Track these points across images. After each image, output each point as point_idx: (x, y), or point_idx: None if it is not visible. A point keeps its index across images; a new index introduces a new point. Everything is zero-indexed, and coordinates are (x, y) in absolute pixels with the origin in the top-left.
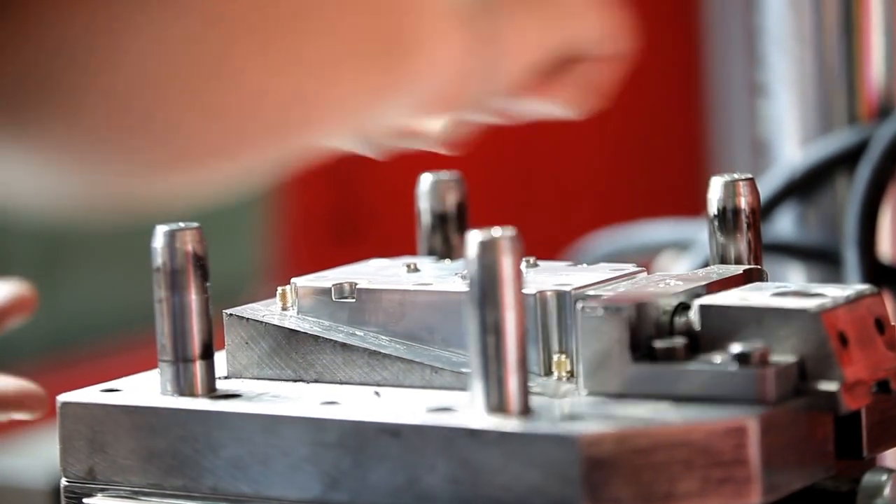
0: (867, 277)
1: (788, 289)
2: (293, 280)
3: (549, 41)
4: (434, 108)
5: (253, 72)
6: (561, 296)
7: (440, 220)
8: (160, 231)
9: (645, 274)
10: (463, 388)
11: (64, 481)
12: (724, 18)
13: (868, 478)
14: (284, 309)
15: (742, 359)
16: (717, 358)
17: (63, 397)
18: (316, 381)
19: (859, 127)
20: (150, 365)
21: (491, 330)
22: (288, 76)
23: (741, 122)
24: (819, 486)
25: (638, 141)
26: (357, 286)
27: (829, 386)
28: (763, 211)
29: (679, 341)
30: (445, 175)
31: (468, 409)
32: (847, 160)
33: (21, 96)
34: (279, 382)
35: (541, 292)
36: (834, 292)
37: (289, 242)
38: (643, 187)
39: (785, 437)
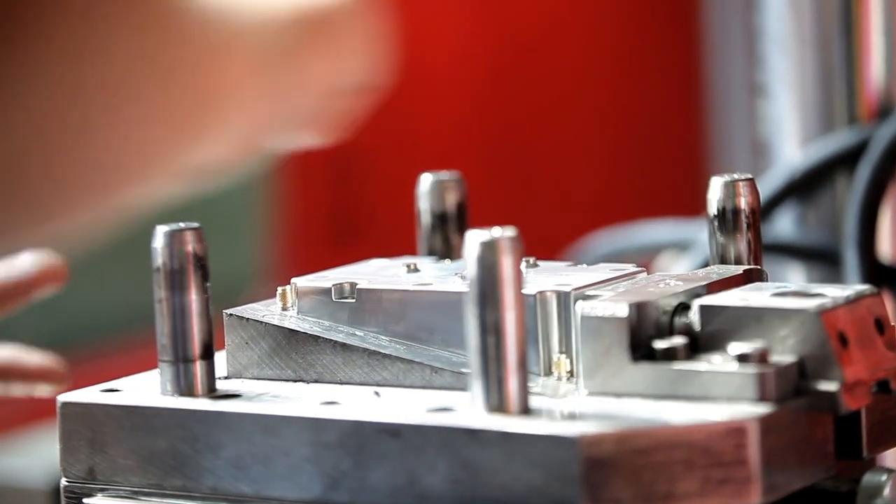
0: (867, 277)
1: (788, 289)
2: (293, 280)
3: (335, 80)
4: (240, 148)
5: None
6: (561, 296)
7: (440, 220)
8: (160, 231)
9: (645, 274)
10: (463, 388)
11: (64, 481)
12: (724, 18)
13: (868, 478)
14: (284, 309)
15: (742, 359)
16: (717, 358)
17: (63, 397)
18: (316, 381)
19: (859, 127)
20: (150, 365)
21: (491, 330)
22: (109, 140)
23: (741, 122)
24: (819, 486)
25: (638, 141)
26: (357, 286)
27: (829, 386)
28: (763, 211)
29: (679, 341)
30: (445, 175)
31: (468, 409)
32: (847, 160)
33: None
34: (279, 382)
35: (541, 292)
36: (834, 292)
37: (289, 242)
38: (643, 187)
39: (785, 438)
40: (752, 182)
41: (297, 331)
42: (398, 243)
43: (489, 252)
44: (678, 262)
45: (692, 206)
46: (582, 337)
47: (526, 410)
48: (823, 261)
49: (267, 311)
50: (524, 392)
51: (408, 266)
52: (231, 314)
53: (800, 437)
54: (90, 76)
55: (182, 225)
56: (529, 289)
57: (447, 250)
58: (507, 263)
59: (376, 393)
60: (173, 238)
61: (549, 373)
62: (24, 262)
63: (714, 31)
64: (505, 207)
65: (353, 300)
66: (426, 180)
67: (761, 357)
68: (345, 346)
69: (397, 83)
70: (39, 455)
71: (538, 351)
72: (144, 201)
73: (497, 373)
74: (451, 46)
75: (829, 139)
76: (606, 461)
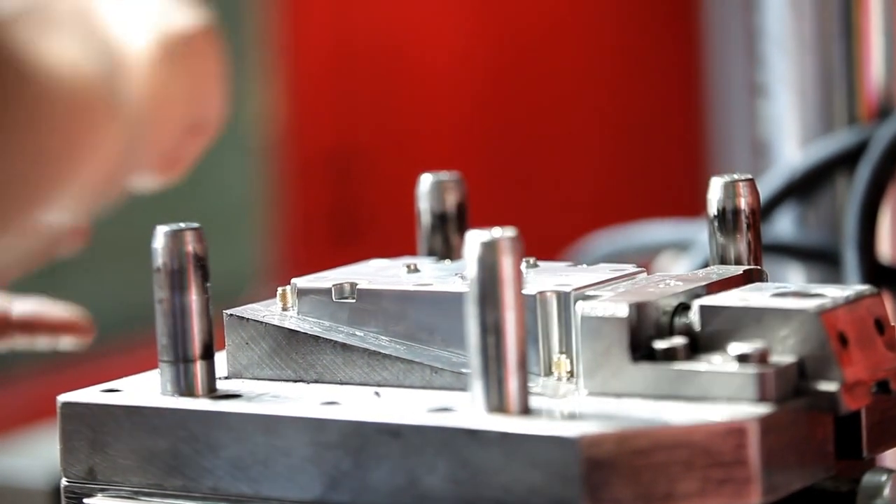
0: (867, 278)
1: (788, 289)
2: (293, 280)
3: (186, 123)
4: (97, 192)
5: None
6: (561, 296)
7: (440, 220)
8: (160, 231)
9: (645, 274)
10: (463, 388)
11: (64, 481)
12: (724, 18)
13: (868, 478)
14: (285, 309)
15: (742, 359)
16: (717, 358)
17: (63, 397)
18: (316, 381)
19: (859, 127)
20: (150, 365)
21: (491, 330)
22: None
23: (741, 122)
24: (819, 486)
25: (638, 141)
26: (357, 286)
27: (829, 386)
28: (763, 211)
29: (679, 341)
30: (445, 175)
31: (468, 410)
32: (847, 161)
33: None
34: (279, 383)
35: (541, 293)
36: (834, 293)
37: (289, 243)
38: (643, 187)
39: (785, 438)
40: (752, 182)
41: (298, 331)
42: (398, 243)
43: (489, 252)
44: (678, 262)
45: (692, 206)
46: (582, 337)
47: (526, 411)
48: (823, 261)
49: (267, 311)
50: (524, 392)
51: (408, 266)
52: (231, 314)
53: (800, 437)
54: None
55: (182, 225)
56: (529, 289)
57: (447, 250)
58: (507, 263)
59: (376, 393)
60: (173, 238)
61: (549, 373)
62: (56, 308)
63: (714, 31)
64: (505, 207)
65: (354, 300)
66: (426, 180)
67: (761, 357)
68: (345, 347)
69: (397, 83)
70: (39, 455)
71: (538, 351)
72: None
73: (497, 373)
74: (451, 46)
75: (829, 139)
76: (606, 461)
